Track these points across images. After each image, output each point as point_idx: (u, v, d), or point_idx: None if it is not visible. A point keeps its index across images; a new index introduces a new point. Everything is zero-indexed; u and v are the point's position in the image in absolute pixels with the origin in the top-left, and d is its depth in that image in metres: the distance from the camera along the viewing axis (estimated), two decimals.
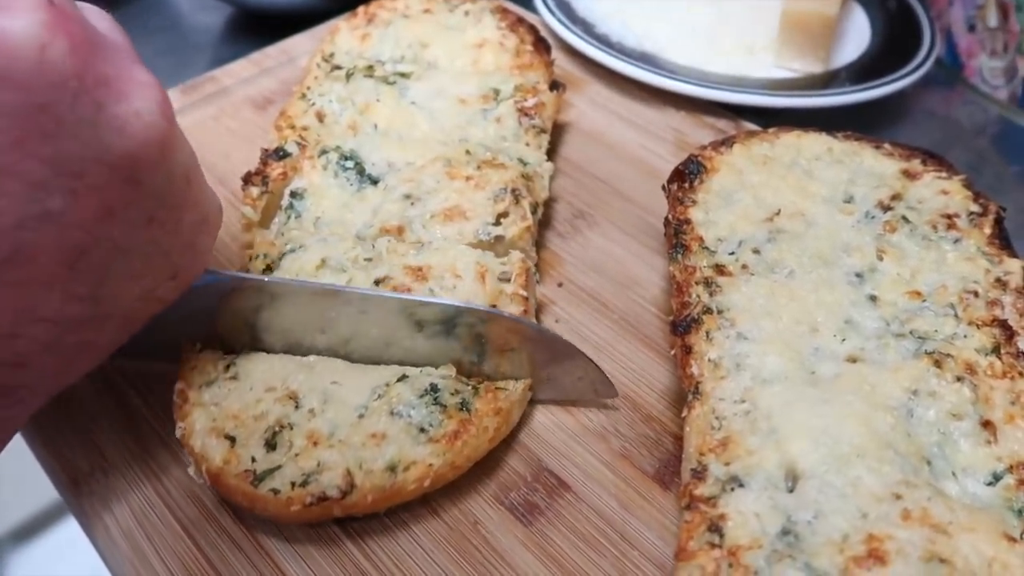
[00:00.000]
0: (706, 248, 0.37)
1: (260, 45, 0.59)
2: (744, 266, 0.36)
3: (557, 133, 0.53)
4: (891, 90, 0.54)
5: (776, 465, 0.29)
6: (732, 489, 0.29)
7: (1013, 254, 0.37)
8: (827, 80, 0.56)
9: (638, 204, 0.48)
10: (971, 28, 0.60)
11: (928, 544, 0.26)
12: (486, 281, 0.37)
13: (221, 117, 0.54)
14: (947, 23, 0.62)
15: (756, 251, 0.37)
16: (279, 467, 0.31)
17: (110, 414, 0.37)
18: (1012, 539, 0.26)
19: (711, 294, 0.35)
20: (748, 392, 0.32)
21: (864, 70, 0.57)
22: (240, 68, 0.57)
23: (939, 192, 0.39)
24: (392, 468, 0.32)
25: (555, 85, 0.50)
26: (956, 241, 0.37)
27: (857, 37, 0.61)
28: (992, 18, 0.58)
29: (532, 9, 0.61)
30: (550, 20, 0.58)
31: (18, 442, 0.34)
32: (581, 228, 0.47)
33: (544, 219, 0.46)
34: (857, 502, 0.28)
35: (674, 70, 0.55)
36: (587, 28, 0.58)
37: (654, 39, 0.58)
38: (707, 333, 0.34)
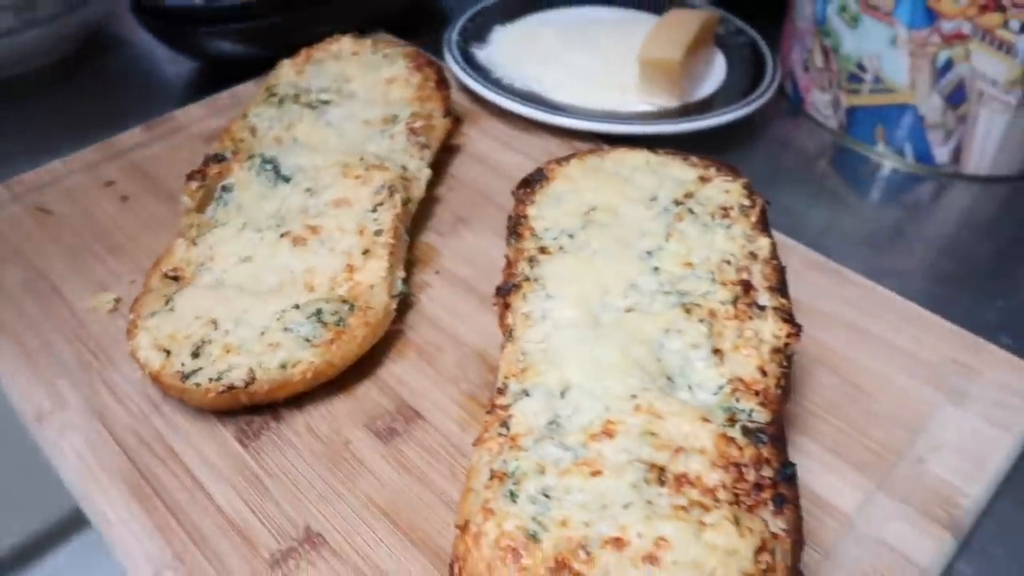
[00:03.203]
0: (535, 235, 0.48)
1: (219, 90, 0.71)
2: (560, 247, 0.47)
3: (450, 155, 0.64)
4: (731, 118, 0.66)
5: (555, 382, 0.40)
6: (521, 399, 0.39)
7: (768, 235, 0.47)
8: (681, 112, 0.68)
9: (509, 211, 0.59)
10: (806, 68, 0.72)
11: (646, 424, 0.36)
12: (365, 233, 0.49)
13: (177, 149, 0.65)
14: (791, 65, 0.74)
15: (571, 236, 0.48)
16: (201, 368, 0.42)
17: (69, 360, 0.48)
18: (707, 421, 0.37)
19: (531, 267, 0.46)
20: (547, 336, 0.42)
21: (714, 103, 0.69)
22: (195, 110, 0.69)
23: (723, 191, 0.50)
24: (284, 366, 0.43)
25: (449, 113, 0.62)
26: (728, 227, 0.48)
27: (715, 77, 0.73)
28: (819, 59, 0.70)
29: (442, 57, 0.73)
30: (452, 65, 0.71)
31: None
32: (459, 229, 0.58)
33: (428, 221, 0.57)
34: (604, 401, 0.38)
35: (556, 106, 0.67)
36: (484, 73, 0.70)
37: (541, 81, 0.70)
38: (524, 295, 0.45)
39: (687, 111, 0.67)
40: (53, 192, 0.60)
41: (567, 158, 0.54)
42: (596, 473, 0.35)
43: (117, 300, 0.52)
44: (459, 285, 0.53)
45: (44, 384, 0.47)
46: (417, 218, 0.57)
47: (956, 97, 0.62)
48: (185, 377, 0.43)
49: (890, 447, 0.44)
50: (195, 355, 0.44)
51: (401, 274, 0.50)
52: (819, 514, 0.41)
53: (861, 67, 0.66)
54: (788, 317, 0.42)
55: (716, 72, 0.73)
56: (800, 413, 0.46)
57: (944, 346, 0.49)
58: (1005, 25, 0.57)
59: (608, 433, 0.36)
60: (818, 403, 0.46)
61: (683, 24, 0.68)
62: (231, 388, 0.42)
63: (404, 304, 0.51)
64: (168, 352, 0.44)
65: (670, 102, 0.68)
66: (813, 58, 0.70)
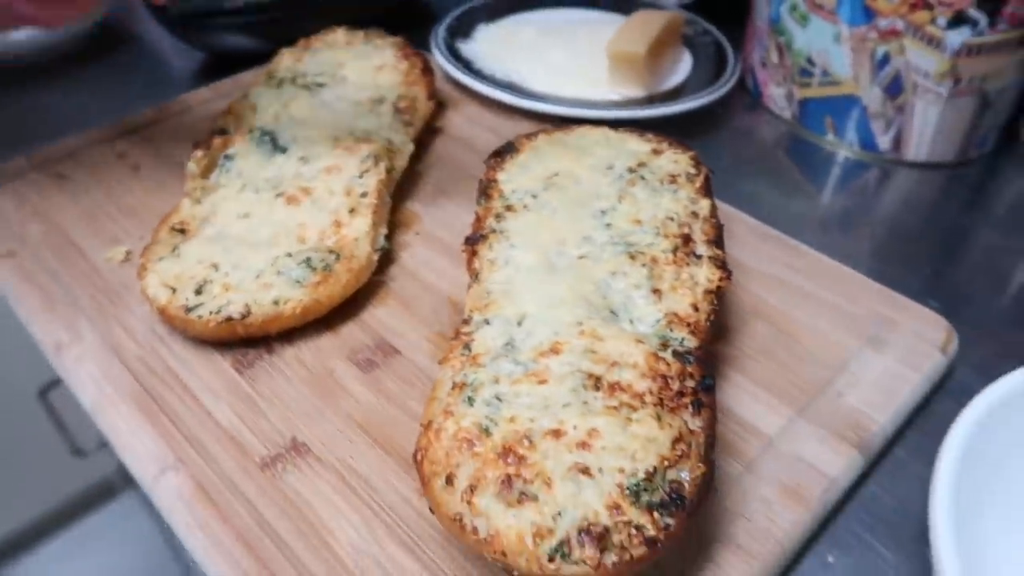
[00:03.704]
0: (503, 196, 0.54)
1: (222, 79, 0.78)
2: (525, 206, 0.53)
3: (433, 136, 0.70)
4: (692, 106, 0.72)
5: (513, 313, 0.45)
6: (483, 327, 0.45)
7: (710, 198, 0.53)
8: (647, 101, 0.74)
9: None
10: (764, 64, 0.78)
11: (588, 344, 0.42)
12: (351, 194, 0.55)
13: (184, 126, 0.71)
14: (751, 62, 0.81)
15: (534, 196, 0.54)
16: (203, 303, 0.48)
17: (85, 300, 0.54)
18: (641, 342, 0.42)
19: (498, 222, 0.52)
20: (509, 278, 0.48)
21: (679, 94, 0.75)
22: (201, 94, 0.75)
23: (672, 162, 0.56)
24: (276, 302, 0.49)
25: (433, 97, 0.68)
26: (675, 191, 0.54)
27: (682, 72, 0.79)
28: (774, 56, 0.76)
29: (429, 51, 0.79)
30: (437, 56, 0.77)
31: None
32: (439, 199, 0.64)
33: (411, 191, 0.63)
34: (554, 327, 0.44)
35: (531, 95, 0.73)
36: (467, 64, 0.77)
37: (519, 72, 0.77)
38: (490, 244, 0.50)
39: (652, 100, 0.74)
40: (70, 162, 0.66)
41: (535, 133, 0.60)
42: (542, 382, 0.41)
43: (128, 253, 0.57)
44: (436, 245, 0.59)
45: (63, 322, 0.52)
46: (401, 189, 0.64)
47: (894, 88, 0.68)
48: (189, 310, 0.48)
49: (813, 383, 0.49)
50: (198, 292, 0.49)
51: (384, 231, 0.56)
52: (744, 435, 0.46)
53: (811, 62, 0.72)
54: (721, 264, 0.48)
55: (683, 68, 0.80)
56: (736, 355, 0.51)
57: (869, 302, 0.55)
58: (933, 22, 0.64)
59: (555, 351, 0.42)
60: (753, 347, 0.52)
61: (649, 22, 0.74)
62: (229, 320, 0.48)
63: (386, 259, 0.57)
64: (174, 290, 0.50)
65: (637, 92, 0.75)
66: (770, 55, 0.77)
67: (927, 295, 0.59)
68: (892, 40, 0.66)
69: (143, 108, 0.73)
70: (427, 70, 0.71)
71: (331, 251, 0.52)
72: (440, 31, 0.81)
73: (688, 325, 0.45)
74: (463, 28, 0.83)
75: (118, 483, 1.35)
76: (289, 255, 0.52)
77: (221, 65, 0.84)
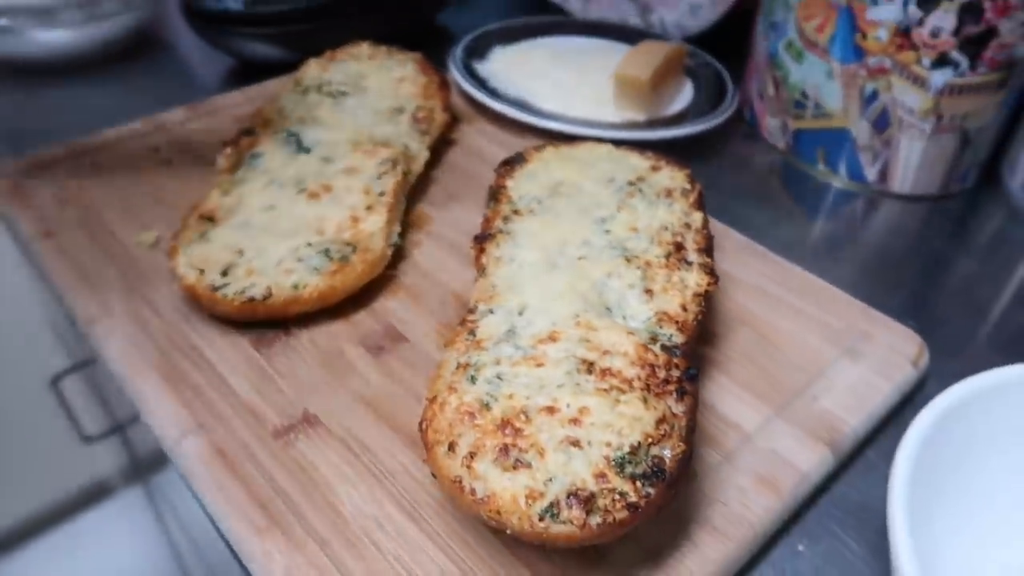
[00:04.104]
0: (510, 201, 0.58)
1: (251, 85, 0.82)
2: (531, 210, 0.57)
3: (448, 147, 0.75)
4: (691, 131, 0.76)
5: (515, 304, 0.49)
6: (487, 315, 0.49)
7: (703, 212, 0.57)
8: (648, 124, 0.78)
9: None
10: (761, 96, 0.83)
11: (583, 334, 0.46)
12: (369, 193, 0.59)
13: (215, 126, 0.76)
14: (749, 95, 0.85)
15: (540, 202, 0.58)
16: (228, 284, 0.52)
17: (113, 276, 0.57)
18: (631, 334, 0.46)
19: (505, 224, 0.56)
20: (513, 273, 0.52)
21: (678, 120, 0.79)
22: (231, 97, 0.80)
23: (669, 178, 0.60)
24: (295, 287, 0.52)
25: (448, 110, 0.73)
26: (670, 204, 0.58)
27: (683, 100, 0.84)
28: (771, 89, 0.81)
29: (446, 67, 0.84)
30: (454, 73, 0.82)
31: None
32: (450, 204, 0.68)
33: (425, 196, 0.67)
34: (553, 318, 0.47)
35: (540, 112, 0.78)
36: (482, 83, 0.81)
37: (530, 92, 0.81)
38: (497, 243, 0.54)
39: (654, 124, 0.78)
40: (106, 153, 0.71)
41: (543, 145, 0.64)
42: (540, 365, 0.44)
43: (158, 238, 0.61)
44: (446, 245, 0.63)
45: (95, 296, 0.56)
46: (415, 193, 0.68)
47: (881, 123, 0.73)
48: (215, 289, 0.52)
49: (791, 387, 0.53)
50: (224, 274, 0.53)
51: (397, 229, 0.60)
52: (725, 429, 0.50)
53: (804, 95, 0.77)
54: (710, 271, 0.52)
55: (684, 96, 0.84)
56: (721, 358, 0.55)
57: (848, 316, 0.58)
58: (918, 62, 0.68)
59: (552, 338, 0.46)
60: (737, 352, 0.55)
61: (653, 51, 0.79)
62: (252, 300, 0.51)
63: (398, 255, 0.61)
64: (202, 271, 0.53)
65: (639, 115, 0.79)
66: (767, 88, 0.81)
67: (906, 316, 0.62)
68: (880, 78, 0.71)
69: (175, 108, 0.78)
70: (444, 85, 0.75)
71: (348, 243, 0.56)
72: (458, 52, 0.86)
73: (676, 323, 0.48)
74: (479, 49, 0.88)
75: (123, 477, 1.38)
76: (309, 245, 0.56)
77: (249, 72, 0.89)
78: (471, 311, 0.50)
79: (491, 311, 0.49)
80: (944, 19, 0.66)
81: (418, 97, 0.72)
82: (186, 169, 0.69)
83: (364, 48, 0.78)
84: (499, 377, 0.44)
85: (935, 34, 0.67)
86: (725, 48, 0.93)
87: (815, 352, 0.55)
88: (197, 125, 0.75)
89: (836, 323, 0.58)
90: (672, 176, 0.61)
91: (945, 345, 0.60)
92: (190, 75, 0.91)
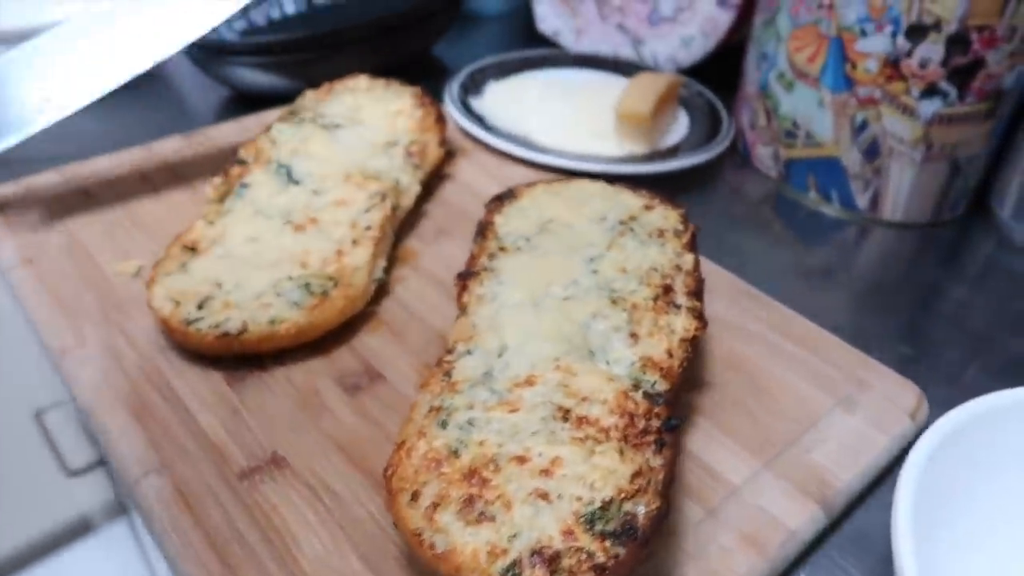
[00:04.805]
0: (497, 237, 0.57)
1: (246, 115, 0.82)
2: (518, 247, 0.56)
3: (441, 181, 0.74)
4: (690, 163, 0.75)
5: (495, 344, 0.47)
6: (464, 356, 0.47)
7: (694, 254, 0.56)
8: (647, 158, 0.77)
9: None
10: (752, 126, 0.82)
11: (563, 379, 0.44)
12: (356, 226, 0.58)
13: (206, 156, 0.75)
14: (741, 124, 0.84)
15: (528, 239, 0.56)
16: (203, 318, 0.51)
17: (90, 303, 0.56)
18: (613, 380, 0.44)
19: (491, 261, 0.54)
20: (496, 312, 0.50)
21: (677, 152, 0.78)
22: (226, 127, 0.80)
23: (662, 217, 0.59)
24: (272, 322, 0.51)
25: (443, 144, 0.72)
26: (662, 245, 0.56)
27: (679, 131, 0.83)
28: (762, 119, 0.80)
29: (442, 100, 0.84)
30: (450, 107, 0.81)
31: None
32: (440, 239, 0.66)
33: (414, 230, 0.66)
34: (532, 360, 0.45)
35: (537, 147, 0.77)
36: (477, 117, 0.81)
37: (526, 126, 0.80)
38: (481, 280, 0.53)
39: (652, 157, 0.77)
40: (96, 180, 0.70)
41: (535, 183, 0.63)
42: (514, 410, 0.42)
43: (140, 267, 0.60)
44: (432, 281, 0.62)
45: (70, 326, 0.55)
46: (404, 227, 0.66)
47: (871, 152, 0.72)
48: (189, 323, 0.51)
49: (782, 438, 0.50)
50: (200, 307, 0.52)
51: (383, 263, 0.59)
52: (711, 482, 0.47)
53: (795, 125, 0.76)
54: (698, 316, 0.50)
55: (680, 127, 0.84)
56: (710, 405, 0.53)
57: (844, 364, 0.56)
58: (908, 92, 0.68)
59: (530, 382, 0.44)
60: (728, 399, 0.53)
61: (652, 84, 0.78)
62: (226, 335, 0.50)
63: (382, 291, 0.60)
64: (178, 303, 0.52)
65: (639, 149, 0.78)
66: (758, 118, 0.80)
67: (899, 341, 0.61)
68: (870, 107, 0.70)
69: (170, 137, 0.77)
70: (440, 119, 0.75)
71: (330, 277, 0.55)
72: (454, 87, 0.85)
73: (661, 369, 0.46)
74: (475, 84, 0.87)
75: (107, 511, 1.35)
76: (290, 278, 0.54)
77: (244, 103, 0.88)
78: (449, 351, 0.48)
79: (469, 352, 0.47)
80: (932, 50, 0.65)
81: (413, 131, 0.72)
82: (175, 198, 0.69)
83: (362, 80, 0.78)
84: (470, 423, 0.42)
85: (923, 65, 0.66)
86: (716, 79, 0.93)
87: (808, 401, 0.53)
88: (188, 154, 0.75)
89: (831, 371, 0.56)
90: (665, 216, 0.59)
91: (937, 371, 0.59)
92: (185, 104, 0.91)
